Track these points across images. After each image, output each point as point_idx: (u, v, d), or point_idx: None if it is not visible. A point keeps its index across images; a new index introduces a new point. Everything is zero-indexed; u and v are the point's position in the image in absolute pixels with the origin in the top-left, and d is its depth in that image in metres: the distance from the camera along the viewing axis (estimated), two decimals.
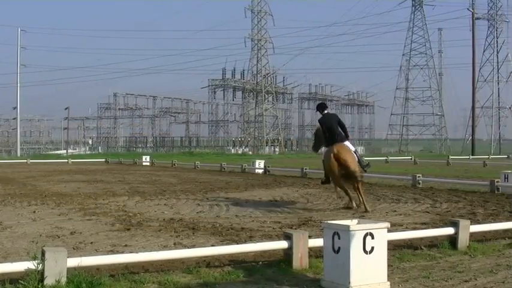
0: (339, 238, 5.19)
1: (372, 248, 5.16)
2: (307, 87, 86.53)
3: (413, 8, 78.57)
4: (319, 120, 12.26)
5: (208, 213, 11.10)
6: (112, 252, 7.01)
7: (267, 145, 72.49)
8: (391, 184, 17.68)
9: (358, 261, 5.09)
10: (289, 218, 10.39)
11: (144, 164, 36.35)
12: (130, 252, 6.58)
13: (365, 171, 12.26)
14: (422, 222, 9.64)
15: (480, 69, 73.40)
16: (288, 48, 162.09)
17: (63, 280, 5.20)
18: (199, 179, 21.48)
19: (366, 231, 5.15)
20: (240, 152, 68.27)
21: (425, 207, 11.70)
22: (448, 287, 5.54)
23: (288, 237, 6.36)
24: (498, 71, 75.82)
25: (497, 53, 75.99)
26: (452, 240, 7.30)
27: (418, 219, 9.97)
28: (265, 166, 25.33)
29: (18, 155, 65.27)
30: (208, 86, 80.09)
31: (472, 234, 7.48)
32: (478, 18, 69.36)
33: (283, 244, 6.37)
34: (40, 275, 5.13)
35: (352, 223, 5.32)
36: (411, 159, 39.91)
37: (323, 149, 12.35)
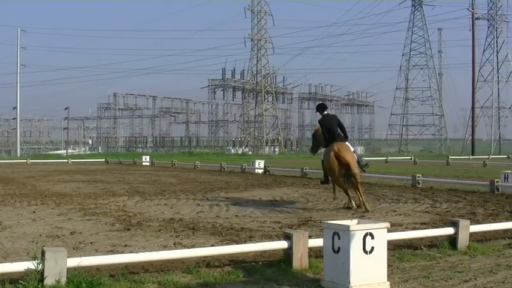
0: (339, 238, 5.19)
1: (372, 248, 5.16)
2: (307, 87, 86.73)
3: (413, 8, 78.68)
4: (319, 121, 12.26)
5: (208, 213, 11.10)
6: (112, 252, 7.01)
7: (266, 145, 72.50)
8: (391, 184, 17.68)
9: (358, 261, 5.10)
10: (289, 218, 10.39)
11: (144, 164, 36.35)
12: (130, 252, 6.58)
13: (363, 171, 12.28)
14: (422, 222, 9.64)
15: (480, 69, 73.47)
16: (288, 48, 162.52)
17: (63, 280, 5.20)
18: (199, 179, 21.48)
19: (365, 231, 5.15)
20: (240, 152, 68.26)
21: (425, 207, 11.70)
22: (448, 287, 5.54)
23: (287, 237, 6.36)
24: (498, 71, 75.96)
25: (497, 53, 76.11)
26: (452, 240, 7.30)
27: (418, 219, 9.97)
28: (265, 166, 25.34)
29: (18, 155, 65.29)
30: (208, 86, 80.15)
31: (472, 234, 7.49)
32: (477, 18, 69.43)
33: (283, 244, 6.37)
34: (40, 275, 5.13)
35: (352, 223, 5.32)
36: (411, 159, 39.92)
37: (322, 150, 12.36)
